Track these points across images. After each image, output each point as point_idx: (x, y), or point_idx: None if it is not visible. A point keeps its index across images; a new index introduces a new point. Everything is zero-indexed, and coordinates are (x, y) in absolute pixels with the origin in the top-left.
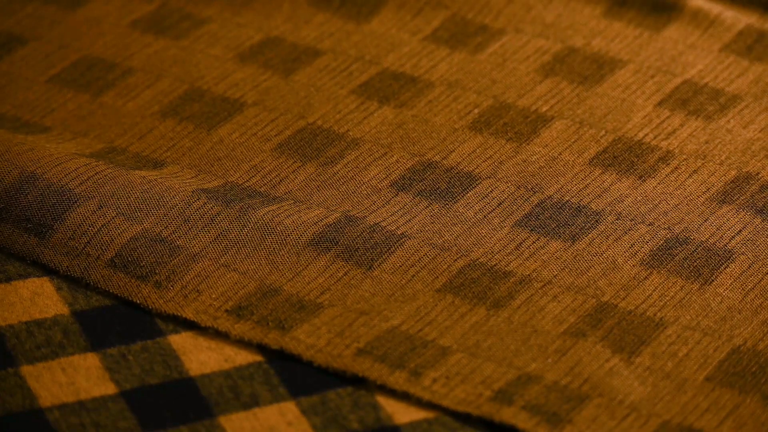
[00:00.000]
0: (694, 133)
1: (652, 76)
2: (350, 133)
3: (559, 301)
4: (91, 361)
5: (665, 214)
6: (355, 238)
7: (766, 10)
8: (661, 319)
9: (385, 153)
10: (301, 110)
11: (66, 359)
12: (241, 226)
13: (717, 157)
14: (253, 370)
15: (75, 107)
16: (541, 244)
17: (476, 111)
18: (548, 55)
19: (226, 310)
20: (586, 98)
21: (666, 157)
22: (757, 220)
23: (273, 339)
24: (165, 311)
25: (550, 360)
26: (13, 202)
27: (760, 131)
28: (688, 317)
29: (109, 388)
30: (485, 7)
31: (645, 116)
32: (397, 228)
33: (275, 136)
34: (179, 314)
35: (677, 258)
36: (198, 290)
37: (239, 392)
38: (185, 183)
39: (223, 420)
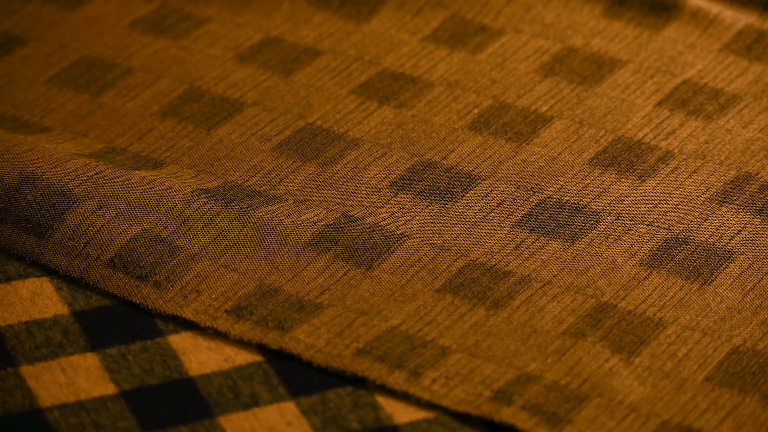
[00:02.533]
0: (694, 133)
1: (652, 76)
2: (350, 133)
3: (558, 301)
4: (90, 361)
5: (665, 214)
6: (354, 238)
7: (766, 10)
8: (660, 319)
9: (385, 153)
10: (301, 110)
11: (66, 359)
12: (240, 226)
13: (716, 157)
14: (252, 370)
15: (75, 107)
16: (541, 244)
17: (476, 111)
18: (548, 55)
19: (226, 310)
20: (586, 98)
21: (666, 157)
22: (757, 220)
23: (272, 339)
24: (165, 311)
25: (549, 360)
26: (12, 202)
27: (759, 131)
28: (688, 317)
29: (109, 388)
30: (485, 7)
31: (644, 116)
32: (397, 228)
33: (275, 136)
34: (179, 314)
35: (677, 258)
36: (197, 290)
37: (239, 392)
38: (185, 183)
39: (223, 420)
